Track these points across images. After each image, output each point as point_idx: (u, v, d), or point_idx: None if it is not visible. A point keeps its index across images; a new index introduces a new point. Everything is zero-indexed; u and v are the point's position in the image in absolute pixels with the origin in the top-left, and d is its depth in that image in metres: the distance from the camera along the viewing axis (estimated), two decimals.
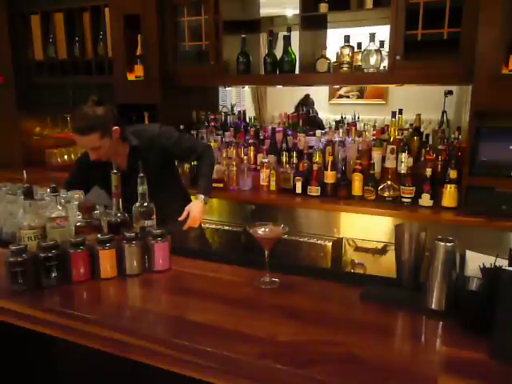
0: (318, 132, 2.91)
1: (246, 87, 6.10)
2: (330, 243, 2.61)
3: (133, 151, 2.13)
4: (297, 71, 2.85)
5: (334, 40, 3.09)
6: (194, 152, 2.29)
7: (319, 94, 6.14)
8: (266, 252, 1.48)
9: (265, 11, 3.07)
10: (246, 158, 2.96)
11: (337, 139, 2.80)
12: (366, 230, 2.60)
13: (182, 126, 3.19)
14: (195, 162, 2.73)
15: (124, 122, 2.14)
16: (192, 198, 2.37)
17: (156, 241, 1.55)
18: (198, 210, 2.13)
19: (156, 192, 1.80)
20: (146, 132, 2.21)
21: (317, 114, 4.59)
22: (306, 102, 4.75)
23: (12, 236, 1.81)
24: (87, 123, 1.94)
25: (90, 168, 2.13)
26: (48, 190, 1.70)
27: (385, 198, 2.59)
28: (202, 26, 3.00)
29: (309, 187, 2.73)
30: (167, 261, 1.58)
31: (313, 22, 2.77)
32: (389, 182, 2.58)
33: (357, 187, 2.65)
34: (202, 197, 2.18)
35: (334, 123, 3.07)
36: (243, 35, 2.97)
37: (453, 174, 2.41)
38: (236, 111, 3.54)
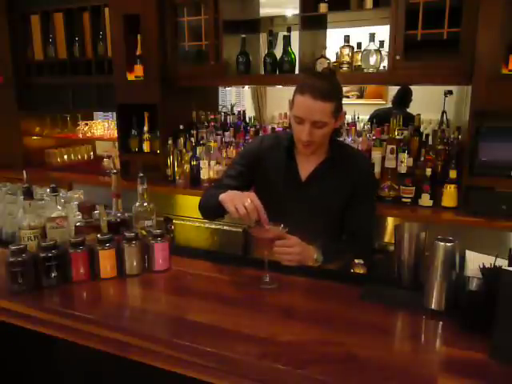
0: None
1: (246, 87, 6.10)
2: None
3: (326, 163, 1.75)
4: (297, 71, 2.85)
5: (334, 40, 3.09)
6: (361, 227, 1.76)
7: None
8: (266, 252, 1.48)
9: (265, 11, 3.07)
10: None
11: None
12: None
13: (181, 126, 3.19)
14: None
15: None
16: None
17: (156, 241, 1.55)
18: (304, 255, 1.55)
19: (305, 227, 1.53)
20: (353, 153, 1.85)
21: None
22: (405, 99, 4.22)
23: (12, 236, 1.81)
24: (328, 87, 1.59)
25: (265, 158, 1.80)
26: (48, 190, 1.70)
27: (385, 198, 2.59)
28: (202, 26, 3.00)
29: None
30: (167, 261, 1.58)
31: (313, 22, 2.77)
32: (389, 182, 2.58)
33: None
34: (319, 256, 1.58)
35: None
36: (243, 35, 2.97)
37: (453, 174, 2.41)
38: (236, 111, 3.54)
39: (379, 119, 3.03)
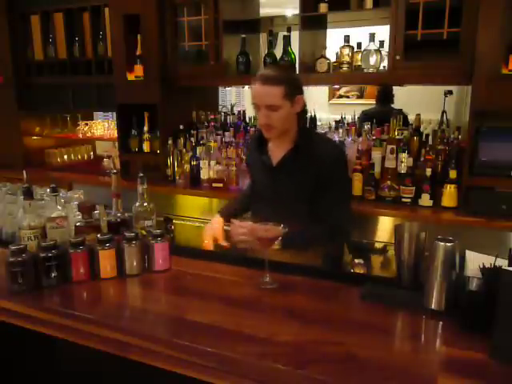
0: None
1: (246, 87, 6.09)
2: None
3: (293, 150, 1.81)
4: (297, 71, 2.85)
5: (334, 40, 3.09)
6: (328, 215, 1.75)
7: (319, 94, 6.14)
8: (266, 252, 1.48)
9: (265, 11, 3.07)
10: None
11: (336, 139, 2.80)
12: (366, 229, 2.60)
13: (181, 126, 3.19)
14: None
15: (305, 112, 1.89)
16: None
17: (156, 241, 1.55)
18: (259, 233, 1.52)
19: (277, 212, 1.60)
20: (322, 141, 1.88)
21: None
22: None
23: (12, 236, 1.81)
24: (275, 73, 1.73)
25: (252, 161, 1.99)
26: (48, 190, 1.70)
27: (385, 198, 2.59)
28: (202, 26, 3.00)
29: None
30: (167, 261, 1.58)
31: (313, 22, 2.77)
32: (389, 182, 2.58)
33: (357, 187, 2.64)
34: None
35: (333, 123, 3.06)
36: (243, 35, 2.97)
37: (453, 174, 2.40)
38: (236, 111, 3.54)
39: (368, 119, 3.01)
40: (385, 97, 4.13)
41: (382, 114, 3.25)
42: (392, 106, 4.10)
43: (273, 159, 1.86)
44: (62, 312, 1.33)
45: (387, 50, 2.56)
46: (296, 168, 1.79)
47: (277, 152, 1.85)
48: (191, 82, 3.13)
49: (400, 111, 3.69)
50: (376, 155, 2.65)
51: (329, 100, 6.47)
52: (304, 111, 1.85)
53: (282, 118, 1.72)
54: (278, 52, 2.91)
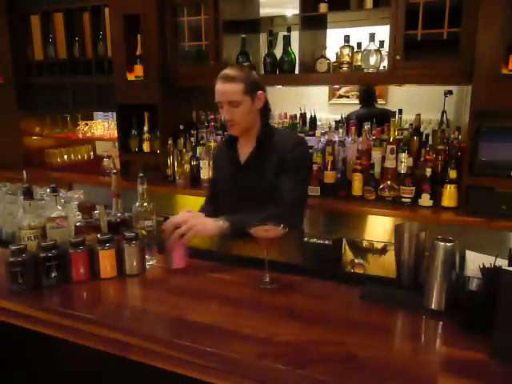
0: (318, 132, 2.92)
1: None
2: (330, 243, 2.61)
3: (258, 146, 1.88)
4: (297, 71, 2.85)
5: (334, 40, 3.09)
6: (279, 196, 1.78)
7: (319, 94, 6.13)
8: (266, 252, 1.48)
9: (265, 11, 3.07)
10: None
11: (336, 139, 2.80)
12: (365, 229, 2.60)
13: (181, 126, 3.19)
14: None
15: (268, 109, 1.94)
16: None
17: None
18: (203, 227, 1.66)
19: (249, 206, 1.70)
20: (283, 135, 1.96)
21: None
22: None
23: (12, 236, 1.81)
24: (234, 72, 1.81)
25: (220, 161, 2.06)
26: (48, 190, 1.70)
27: (385, 198, 2.59)
28: (202, 26, 3.00)
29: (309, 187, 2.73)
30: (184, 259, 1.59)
31: (313, 22, 2.77)
32: (389, 182, 2.58)
33: (357, 187, 2.65)
34: (221, 223, 1.68)
35: (333, 123, 3.06)
36: (243, 35, 2.97)
37: (453, 174, 2.41)
38: None
39: (358, 121, 3.00)
40: (368, 98, 4.11)
41: (368, 116, 3.24)
42: (376, 106, 4.10)
43: (241, 157, 1.93)
44: (62, 312, 1.33)
45: (387, 50, 2.56)
46: (261, 164, 1.85)
47: (244, 149, 1.93)
48: (191, 82, 3.13)
49: (386, 111, 3.69)
50: (376, 155, 2.65)
51: (329, 100, 6.46)
52: (267, 108, 1.92)
53: (244, 113, 1.81)
54: (278, 52, 2.91)
